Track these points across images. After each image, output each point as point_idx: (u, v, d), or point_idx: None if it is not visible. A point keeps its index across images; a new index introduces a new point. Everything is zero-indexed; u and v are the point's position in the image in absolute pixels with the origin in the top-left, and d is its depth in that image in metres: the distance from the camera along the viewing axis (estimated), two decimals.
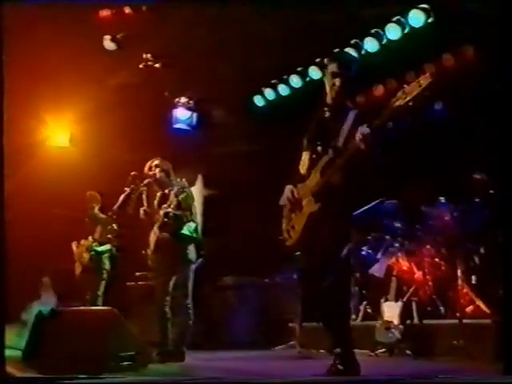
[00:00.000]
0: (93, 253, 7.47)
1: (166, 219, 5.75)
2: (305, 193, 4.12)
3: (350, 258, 4.20)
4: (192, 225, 5.84)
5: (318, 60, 8.19)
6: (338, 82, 4.10)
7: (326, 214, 4.00)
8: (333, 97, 4.15)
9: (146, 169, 6.02)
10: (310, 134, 4.27)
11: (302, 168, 4.22)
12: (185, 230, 5.77)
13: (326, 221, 4.00)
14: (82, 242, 7.61)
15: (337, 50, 7.37)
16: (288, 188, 4.22)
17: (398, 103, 3.69)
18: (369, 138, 3.76)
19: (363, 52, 7.55)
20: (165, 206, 5.78)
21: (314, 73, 8.30)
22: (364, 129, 3.78)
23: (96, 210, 7.68)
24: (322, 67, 4.14)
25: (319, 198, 4.02)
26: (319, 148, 4.10)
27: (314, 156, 4.13)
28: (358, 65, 4.28)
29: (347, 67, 4.17)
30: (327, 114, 4.19)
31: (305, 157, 4.23)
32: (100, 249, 7.51)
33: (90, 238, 7.53)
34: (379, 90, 8.21)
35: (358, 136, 3.78)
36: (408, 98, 3.64)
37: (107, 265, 7.56)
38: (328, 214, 3.99)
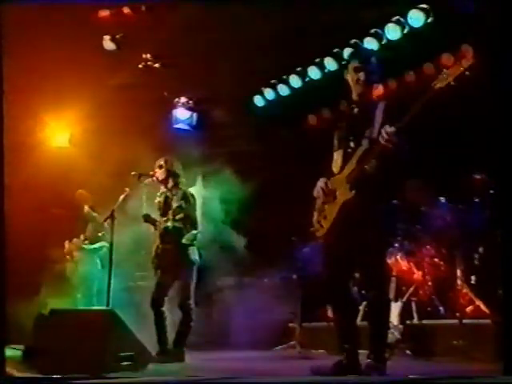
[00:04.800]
0: (84, 251, 7.46)
1: (166, 231, 5.92)
2: (339, 183, 4.13)
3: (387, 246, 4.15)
4: (192, 234, 5.97)
5: (317, 60, 8.20)
6: (362, 76, 4.15)
7: (361, 201, 4.00)
8: (359, 92, 4.19)
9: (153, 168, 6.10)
10: (340, 132, 4.28)
11: (335, 167, 4.22)
12: (184, 240, 5.92)
13: (361, 209, 4.00)
14: (75, 240, 7.60)
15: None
16: (321, 180, 4.25)
17: (439, 85, 3.74)
18: (393, 136, 3.82)
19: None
20: (165, 219, 5.93)
21: (314, 72, 8.30)
22: (387, 128, 3.84)
23: (87, 208, 7.67)
24: (342, 65, 4.18)
25: (355, 185, 4.02)
26: (352, 143, 4.12)
27: (349, 150, 4.13)
28: (376, 56, 4.31)
29: (368, 60, 4.22)
30: (356, 110, 4.22)
31: (337, 156, 4.23)
32: (91, 247, 7.49)
33: (82, 237, 7.53)
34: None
35: (383, 136, 3.84)
36: (450, 79, 3.70)
37: (99, 264, 7.54)
38: (363, 202, 4.00)
